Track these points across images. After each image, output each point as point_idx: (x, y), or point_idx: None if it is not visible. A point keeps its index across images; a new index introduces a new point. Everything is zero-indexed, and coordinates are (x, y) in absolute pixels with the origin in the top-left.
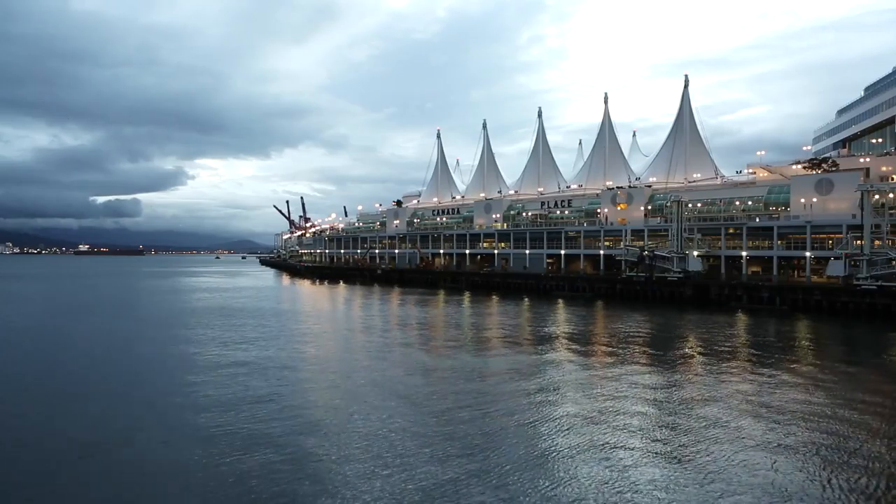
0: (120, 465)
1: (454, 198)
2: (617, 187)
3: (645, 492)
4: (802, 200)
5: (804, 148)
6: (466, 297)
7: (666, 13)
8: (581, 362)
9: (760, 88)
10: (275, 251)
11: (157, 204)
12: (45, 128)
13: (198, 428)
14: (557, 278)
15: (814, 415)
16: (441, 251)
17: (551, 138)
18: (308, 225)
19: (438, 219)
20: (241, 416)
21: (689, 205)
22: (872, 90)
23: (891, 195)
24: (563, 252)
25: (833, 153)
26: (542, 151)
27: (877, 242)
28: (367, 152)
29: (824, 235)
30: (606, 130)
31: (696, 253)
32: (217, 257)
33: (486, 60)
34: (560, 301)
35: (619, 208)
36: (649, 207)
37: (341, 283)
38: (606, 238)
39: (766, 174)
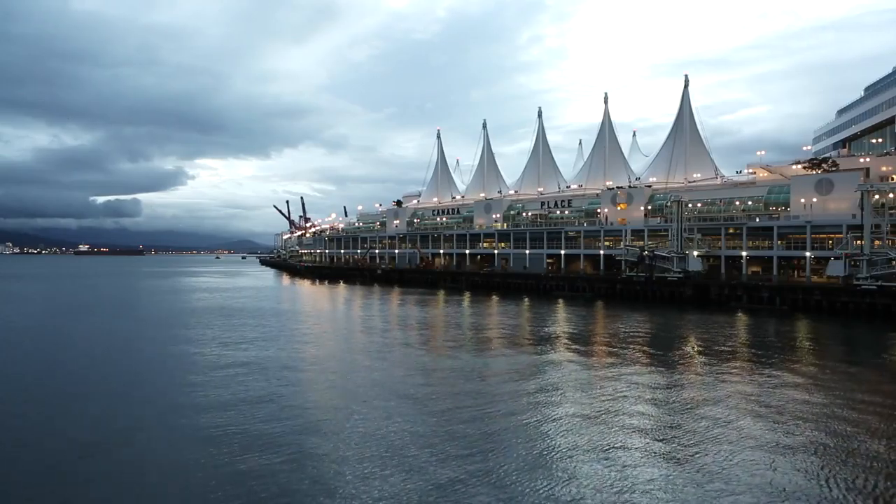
0: (120, 465)
1: (454, 198)
2: (617, 187)
3: (645, 492)
4: (802, 200)
5: (804, 148)
6: (466, 297)
7: (666, 13)
8: (581, 362)
9: (760, 88)
10: (275, 251)
11: (157, 204)
12: (45, 128)
13: (198, 428)
14: (557, 278)
15: (814, 415)
16: (441, 251)
17: (551, 138)
18: (308, 225)
19: (438, 219)
20: (241, 416)
21: (689, 205)
22: (872, 90)
23: (891, 195)
24: (563, 252)
25: (833, 153)
26: (542, 151)
27: (877, 242)
28: (367, 152)
29: (824, 235)
30: (606, 130)
31: (696, 253)
32: (217, 257)
33: (486, 60)
34: (560, 301)
35: (619, 208)
36: (649, 207)
37: (341, 283)
38: (606, 238)
39: (766, 174)
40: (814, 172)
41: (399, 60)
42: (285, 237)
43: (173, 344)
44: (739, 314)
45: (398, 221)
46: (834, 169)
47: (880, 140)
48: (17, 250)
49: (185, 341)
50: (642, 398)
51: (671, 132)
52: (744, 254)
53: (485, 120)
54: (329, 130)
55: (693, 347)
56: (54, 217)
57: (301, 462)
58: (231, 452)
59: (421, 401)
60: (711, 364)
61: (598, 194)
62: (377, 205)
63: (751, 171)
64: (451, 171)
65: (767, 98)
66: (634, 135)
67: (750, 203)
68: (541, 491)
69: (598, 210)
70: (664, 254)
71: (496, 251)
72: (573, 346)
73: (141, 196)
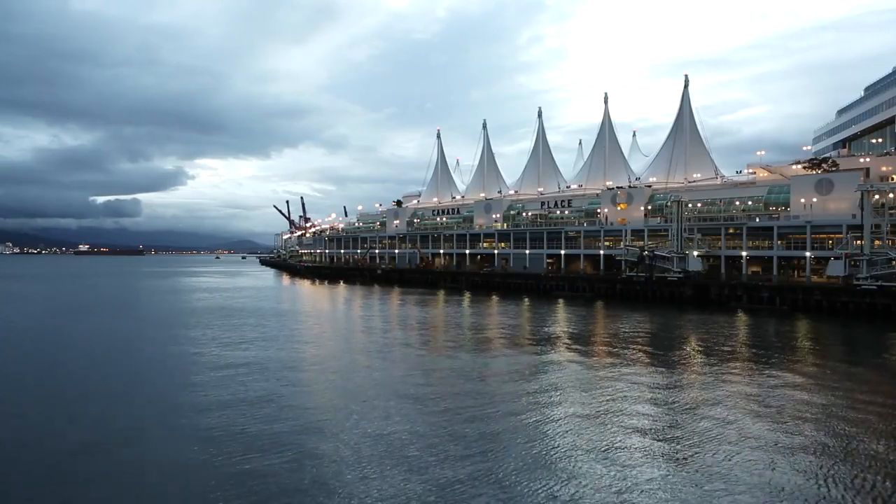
0: (120, 465)
1: (454, 198)
2: (617, 187)
3: (645, 492)
4: (802, 200)
5: (804, 148)
6: (466, 297)
7: (666, 13)
8: (581, 362)
9: (760, 88)
10: (275, 251)
11: (157, 204)
12: (45, 128)
13: (198, 428)
14: (557, 278)
15: (814, 415)
16: (441, 251)
17: (551, 138)
18: (308, 225)
19: (438, 219)
20: (241, 416)
21: (689, 205)
22: (872, 90)
23: (891, 195)
24: (563, 252)
25: (833, 153)
26: (542, 151)
27: (877, 242)
28: (367, 152)
29: (824, 235)
30: (606, 130)
31: (696, 253)
32: (217, 257)
33: (486, 60)
34: (560, 301)
35: (619, 208)
36: (649, 207)
37: (341, 283)
38: (606, 238)
39: (766, 174)
40: (814, 172)
41: (399, 60)
42: (285, 237)
43: (173, 344)
44: (739, 314)
45: (398, 221)
46: (834, 169)
47: (880, 140)
48: (17, 250)
49: (185, 341)
50: (642, 398)
51: (671, 132)
52: (744, 254)
53: (485, 120)
54: (329, 130)
55: (693, 347)
56: (54, 217)
57: (301, 462)
58: (231, 452)
59: (421, 401)
60: (711, 364)
61: (598, 194)
62: (377, 205)
63: (751, 171)
64: (451, 171)
65: (767, 98)
66: (634, 135)
67: (750, 203)
68: (541, 491)
69: (598, 210)
70: (664, 254)
71: (496, 251)
72: (573, 346)
73: (141, 196)
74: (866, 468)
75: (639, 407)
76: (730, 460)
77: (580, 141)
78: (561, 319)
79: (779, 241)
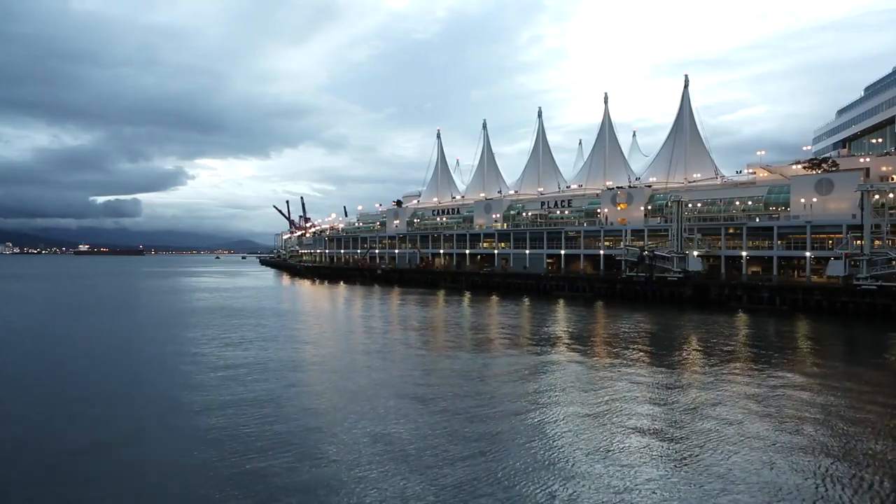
0: (120, 465)
1: (454, 198)
2: (617, 187)
3: (645, 492)
4: (802, 200)
5: (804, 148)
6: (466, 297)
7: (666, 13)
8: (581, 362)
9: (760, 88)
10: (275, 251)
11: (157, 204)
12: (45, 128)
13: (198, 428)
14: (557, 278)
15: (813, 415)
16: (441, 251)
17: (551, 138)
18: (308, 225)
19: (438, 219)
20: (241, 416)
21: (689, 205)
22: (872, 90)
23: (891, 195)
24: (563, 252)
25: (833, 153)
26: (542, 151)
27: (877, 242)
28: (367, 152)
29: (824, 235)
30: (606, 130)
31: (696, 253)
32: (217, 257)
33: (486, 60)
34: (560, 301)
35: (619, 208)
36: (649, 207)
37: (341, 283)
38: (606, 238)
39: (766, 174)
40: (814, 172)
41: (399, 60)
42: (285, 237)
43: (173, 344)
44: (739, 314)
45: (398, 221)
46: (834, 169)
47: (880, 140)
48: (17, 250)
49: (185, 341)
50: (642, 398)
51: (671, 132)
52: (744, 254)
53: (485, 120)
54: (329, 130)
55: (693, 347)
56: (54, 217)
57: (301, 462)
58: (231, 452)
59: (421, 401)
60: (711, 364)
61: (598, 194)
62: (377, 205)
63: (751, 171)
64: (451, 171)
65: (767, 98)
66: (634, 135)
67: (750, 203)
68: (541, 491)
69: (598, 210)
70: (664, 254)
71: (496, 251)
72: (573, 346)
73: (141, 196)
74: (866, 468)
75: (639, 407)
76: (730, 460)
77: (580, 141)
78: (561, 319)
79: (779, 241)
